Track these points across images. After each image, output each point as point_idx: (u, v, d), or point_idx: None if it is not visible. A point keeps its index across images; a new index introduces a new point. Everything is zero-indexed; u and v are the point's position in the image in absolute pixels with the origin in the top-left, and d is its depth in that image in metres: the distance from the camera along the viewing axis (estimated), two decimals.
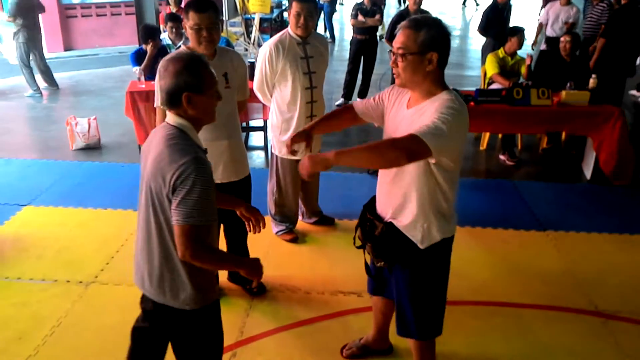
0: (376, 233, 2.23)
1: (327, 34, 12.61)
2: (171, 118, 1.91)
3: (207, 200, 1.80)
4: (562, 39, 5.51)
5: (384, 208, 2.23)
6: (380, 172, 2.26)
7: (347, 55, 7.57)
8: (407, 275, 2.23)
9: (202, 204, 1.78)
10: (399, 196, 2.13)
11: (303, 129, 2.38)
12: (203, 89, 1.86)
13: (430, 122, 1.88)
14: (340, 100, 7.47)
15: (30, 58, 7.83)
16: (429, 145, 1.84)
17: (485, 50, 6.97)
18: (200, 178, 1.78)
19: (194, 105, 1.86)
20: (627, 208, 4.62)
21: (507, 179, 5.18)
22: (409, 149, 1.84)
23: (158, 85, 2.77)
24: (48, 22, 9.91)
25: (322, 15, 12.59)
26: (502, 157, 5.61)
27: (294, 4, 3.42)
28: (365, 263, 2.46)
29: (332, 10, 12.85)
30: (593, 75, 5.15)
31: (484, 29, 7.12)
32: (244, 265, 2.00)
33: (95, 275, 3.51)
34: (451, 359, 2.85)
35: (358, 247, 2.38)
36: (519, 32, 5.58)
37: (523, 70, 5.63)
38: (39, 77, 8.06)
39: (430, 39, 1.94)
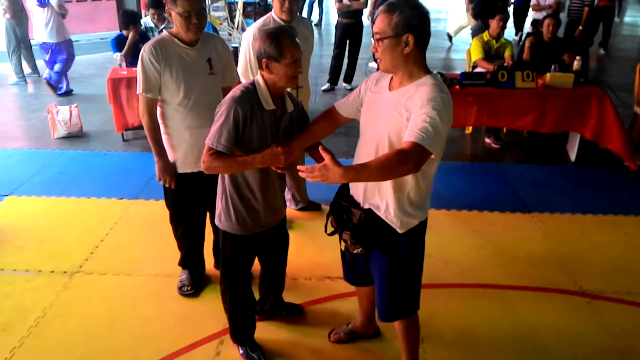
0: (354, 220, 2.22)
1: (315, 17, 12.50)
2: (258, 74, 2.27)
3: (224, 130, 2.17)
4: (545, 21, 5.51)
5: (361, 194, 2.21)
6: (356, 159, 2.23)
7: (332, 39, 7.51)
8: (386, 259, 2.23)
9: (218, 132, 2.18)
10: (377, 183, 2.12)
11: (286, 149, 2.21)
12: (279, 58, 2.15)
13: (423, 121, 1.87)
14: (326, 86, 7.43)
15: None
16: (430, 150, 1.87)
17: (475, 34, 6.95)
18: (225, 112, 2.17)
19: (271, 71, 2.20)
20: (610, 189, 4.66)
21: (492, 162, 5.20)
22: (417, 159, 1.85)
23: (144, 71, 2.73)
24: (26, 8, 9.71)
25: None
26: (487, 140, 5.63)
27: None
28: (341, 250, 2.45)
29: None
30: (577, 57, 5.16)
31: (477, 12, 7.06)
32: (257, 161, 2.19)
33: (80, 265, 3.47)
34: (438, 341, 2.87)
35: (330, 234, 2.37)
36: (498, 14, 5.57)
37: (507, 53, 5.63)
38: (24, 64, 7.92)
39: (404, 21, 1.92)
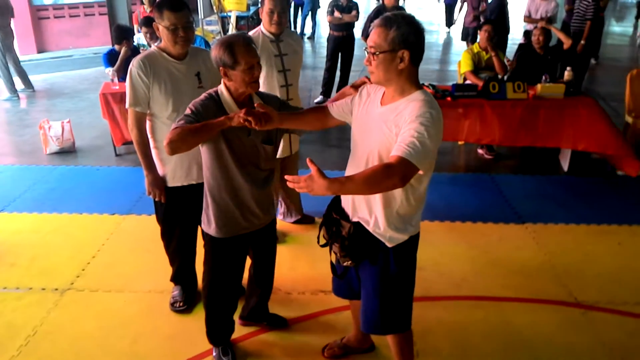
0: (344, 233, 2.21)
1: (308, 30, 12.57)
2: (221, 82, 2.35)
3: (184, 117, 2.23)
4: (533, 32, 5.56)
5: (350, 207, 2.20)
6: (347, 172, 2.20)
7: (325, 52, 7.54)
8: (376, 273, 2.21)
9: (180, 117, 2.25)
10: (367, 197, 2.11)
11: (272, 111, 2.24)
12: (234, 65, 2.22)
13: (411, 136, 1.86)
14: (319, 98, 7.44)
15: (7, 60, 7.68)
16: (418, 165, 1.85)
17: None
18: (190, 107, 2.26)
19: (229, 78, 2.27)
20: (604, 199, 4.67)
21: (485, 172, 5.21)
22: (404, 174, 1.84)
23: (132, 85, 2.73)
24: (20, 24, 9.72)
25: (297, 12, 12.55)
26: (480, 151, 5.64)
27: (267, 1, 3.38)
28: (331, 262, 2.44)
29: (316, 6, 12.73)
30: (568, 68, 5.19)
31: None
32: (216, 124, 2.17)
33: (71, 282, 3.44)
34: (433, 354, 2.85)
35: (322, 246, 2.36)
36: (485, 25, 5.61)
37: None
38: (16, 79, 7.89)
39: (401, 37, 1.92)
